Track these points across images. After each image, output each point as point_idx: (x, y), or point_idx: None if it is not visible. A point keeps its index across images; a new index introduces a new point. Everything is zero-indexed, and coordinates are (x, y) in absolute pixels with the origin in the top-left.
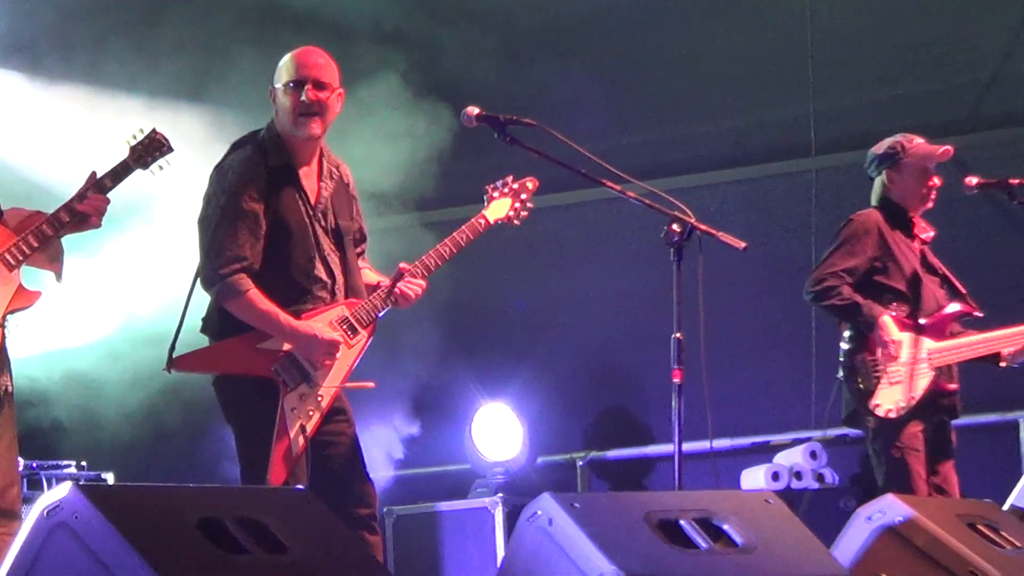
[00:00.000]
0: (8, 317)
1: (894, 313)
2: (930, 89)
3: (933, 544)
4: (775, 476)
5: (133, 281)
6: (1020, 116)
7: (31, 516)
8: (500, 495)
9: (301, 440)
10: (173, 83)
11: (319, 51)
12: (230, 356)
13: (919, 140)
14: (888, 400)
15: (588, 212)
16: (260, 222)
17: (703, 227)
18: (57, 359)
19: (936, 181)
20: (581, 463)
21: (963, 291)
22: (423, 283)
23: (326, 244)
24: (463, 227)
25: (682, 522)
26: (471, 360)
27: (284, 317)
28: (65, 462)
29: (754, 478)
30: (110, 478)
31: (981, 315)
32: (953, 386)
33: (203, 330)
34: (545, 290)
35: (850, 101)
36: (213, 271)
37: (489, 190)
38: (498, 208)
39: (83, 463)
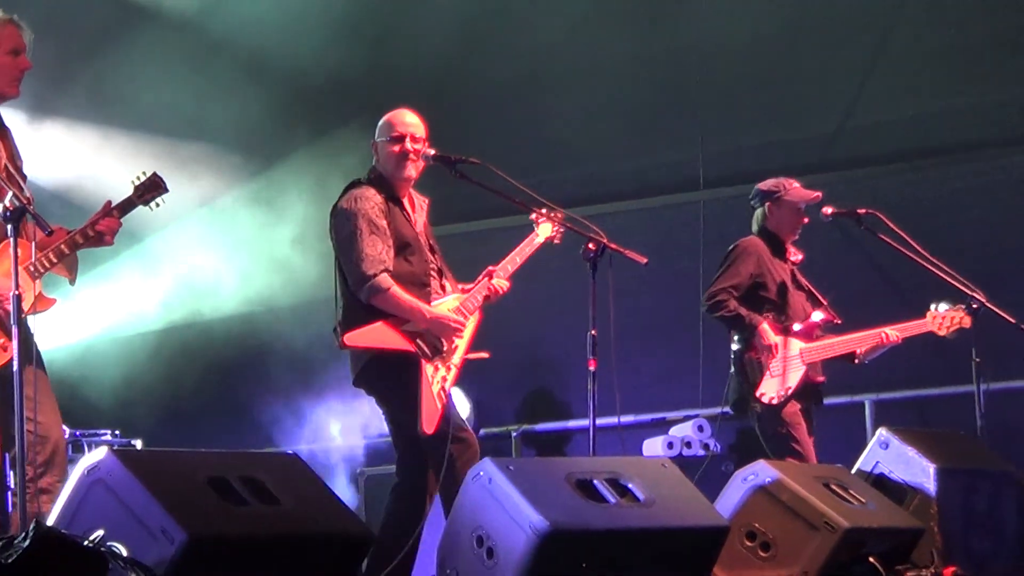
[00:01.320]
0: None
1: (770, 320)
2: (794, 135)
3: (795, 500)
4: (670, 445)
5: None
6: (863, 159)
7: (74, 474)
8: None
9: (441, 398)
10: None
11: (414, 112)
12: (385, 335)
13: (796, 184)
14: (771, 390)
15: (522, 233)
16: (388, 234)
17: (613, 246)
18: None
19: (805, 220)
20: (515, 434)
21: (825, 302)
22: (508, 283)
23: (429, 254)
24: (523, 244)
25: (595, 481)
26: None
27: (422, 306)
28: (102, 431)
29: (653, 447)
30: (139, 444)
31: (840, 322)
32: (820, 379)
33: (343, 327)
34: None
35: (731, 145)
36: (363, 274)
37: (535, 217)
38: (545, 229)
39: (117, 431)
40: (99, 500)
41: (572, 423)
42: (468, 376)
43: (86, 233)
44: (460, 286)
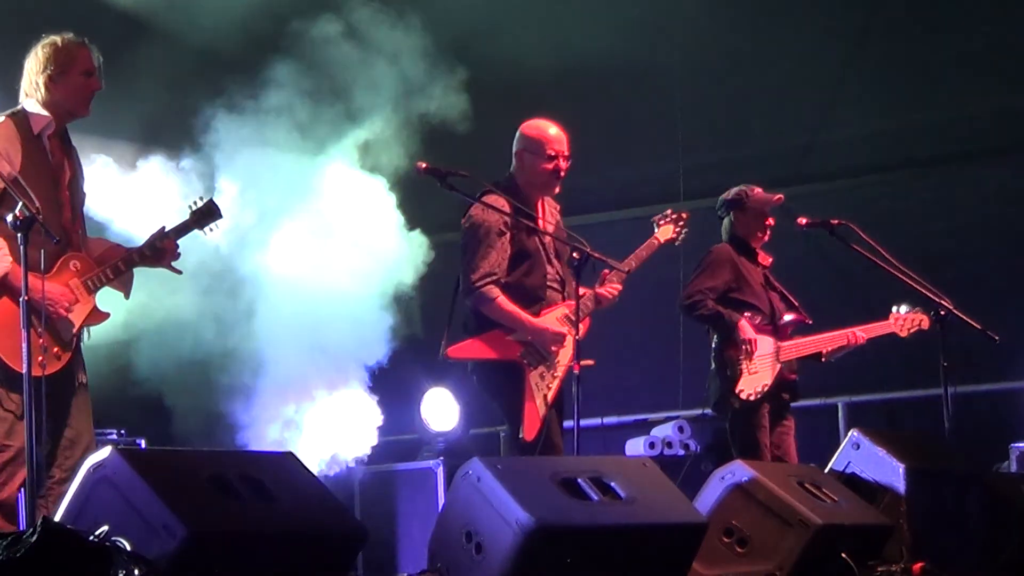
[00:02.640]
0: (83, 329)
1: (747, 318)
2: (768, 150)
3: (771, 498)
4: (651, 445)
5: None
6: (835, 172)
7: (81, 471)
8: (441, 458)
9: (544, 406)
10: None
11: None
12: (488, 346)
13: (758, 189)
14: (749, 386)
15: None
16: (507, 247)
17: (597, 254)
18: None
19: (771, 221)
20: (503, 434)
21: (796, 304)
22: (619, 287)
23: (554, 263)
24: (643, 247)
25: (579, 480)
26: (421, 356)
27: (525, 316)
28: (108, 430)
29: (635, 447)
30: (143, 443)
31: (811, 322)
32: (793, 376)
33: (464, 330)
34: None
35: (711, 158)
36: (471, 284)
37: (656, 220)
38: (665, 231)
39: (122, 431)
40: (104, 497)
41: None
42: (457, 378)
43: (143, 252)
44: (584, 292)
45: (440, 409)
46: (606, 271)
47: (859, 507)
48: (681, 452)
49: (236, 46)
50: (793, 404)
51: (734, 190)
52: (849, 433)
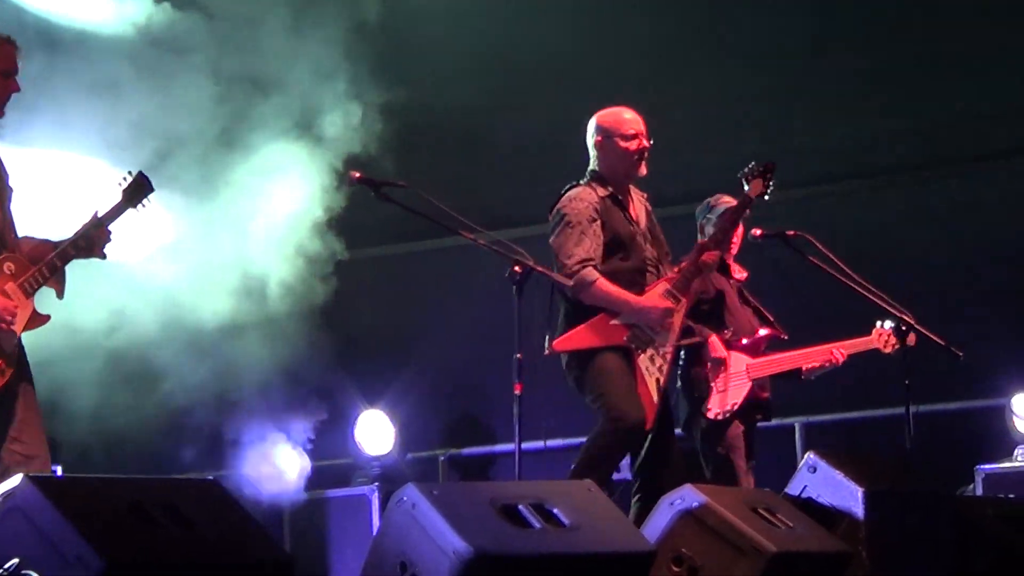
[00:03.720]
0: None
1: (719, 334)
2: (726, 158)
3: (722, 524)
4: None
5: None
6: (793, 181)
7: None
8: (376, 484)
9: (656, 391)
10: None
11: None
12: (593, 333)
13: (726, 198)
14: (716, 405)
15: (448, 256)
16: (599, 234)
17: (540, 268)
18: None
19: (739, 231)
20: (442, 458)
21: (771, 318)
22: (717, 252)
23: (649, 248)
24: (736, 205)
25: (520, 506)
26: (355, 375)
27: (629, 295)
28: None
29: None
30: (59, 470)
31: (786, 337)
32: (765, 395)
33: (565, 324)
34: (414, 319)
35: (666, 167)
36: (569, 270)
37: (745, 174)
38: (755, 187)
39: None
40: (15, 528)
41: (499, 447)
42: (394, 399)
43: (77, 244)
44: (674, 268)
45: (375, 432)
46: (699, 240)
47: (816, 533)
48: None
49: None
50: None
51: (709, 199)
52: (805, 456)
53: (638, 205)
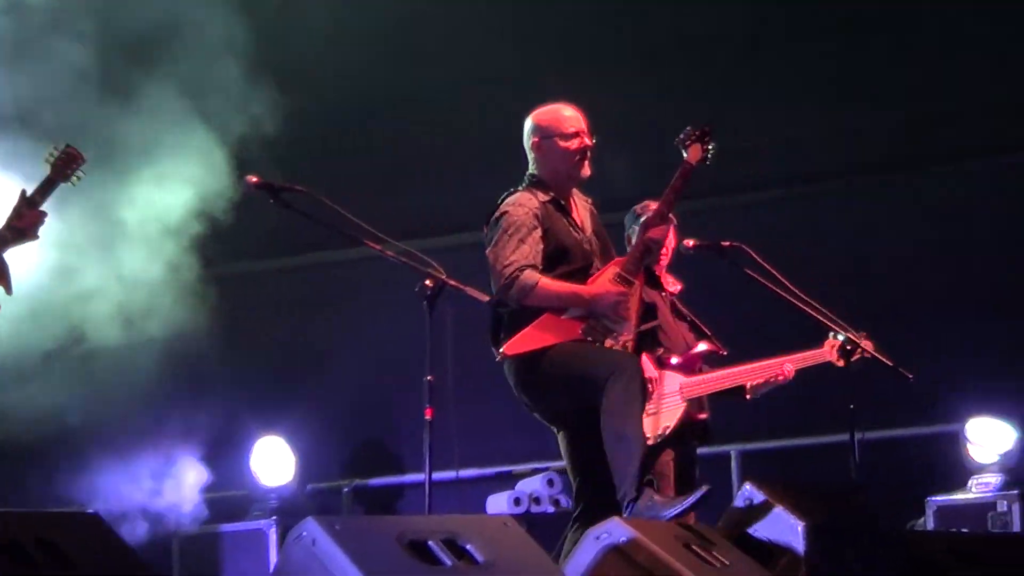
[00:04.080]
0: None
1: (649, 353)
2: (658, 160)
3: (652, 561)
4: (516, 501)
5: None
6: (731, 185)
7: None
8: (274, 517)
9: None
10: None
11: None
12: (547, 331)
13: (655, 204)
14: (647, 429)
15: (352, 268)
16: (539, 240)
17: (453, 282)
18: None
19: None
20: (345, 489)
21: (708, 333)
22: (664, 225)
23: (597, 257)
24: (676, 175)
25: (430, 543)
26: (250, 398)
27: (579, 287)
28: None
29: (498, 503)
30: None
31: (725, 353)
32: (703, 416)
33: (505, 336)
34: (315, 337)
35: (596, 170)
36: (505, 277)
37: (682, 140)
38: (694, 153)
39: None
40: None
41: (408, 477)
42: (293, 425)
43: (11, 227)
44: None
45: (273, 461)
46: (646, 217)
47: (753, 570)
48: (551, 509)
49: None
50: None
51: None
52: (742, 486)
53: (582, 210)
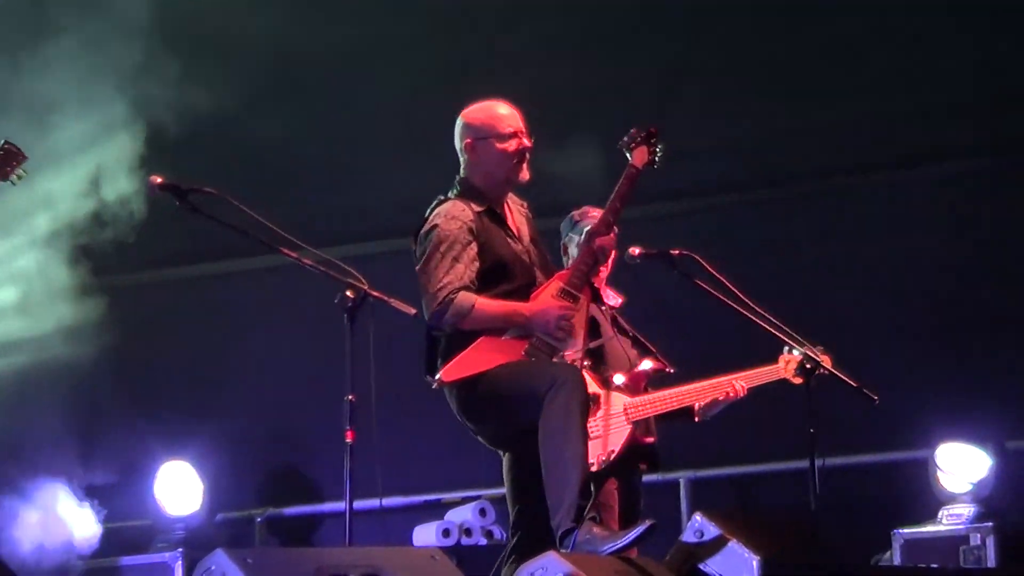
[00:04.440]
0: None
1: (588, 372)
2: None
3: None
4: (445, 533)
5: None
6: (672, 192)
7: None
8: (180, 550)
9: None
10: None
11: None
12: (486, 353)
13: (595, 210)
14: (591, 453)
15: (267, 278)
16: (475, 259)
17: (376, 293)
18: None
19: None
20: (259, 519)
21: (653, 350)
22: (611, 235)
23: (538, 269)
24: (621, 179)
25: None
26: (154, 419)
27: (518, 305)
28: None
29: (426, 535)
30: None
31: (672, 371)
32: (650, 439)
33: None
34: (225, 353)
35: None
36: (437, 302)
37: (626, 143)
38: (640, 156)
39: None
40: None
41: (327, 506)
42: (201, 449)
43: None
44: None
45: (178, 488)
46: (591, 227)
47: None
48: (483, 541)
49: None
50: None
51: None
52: (691, 517)
53: (518, 217)
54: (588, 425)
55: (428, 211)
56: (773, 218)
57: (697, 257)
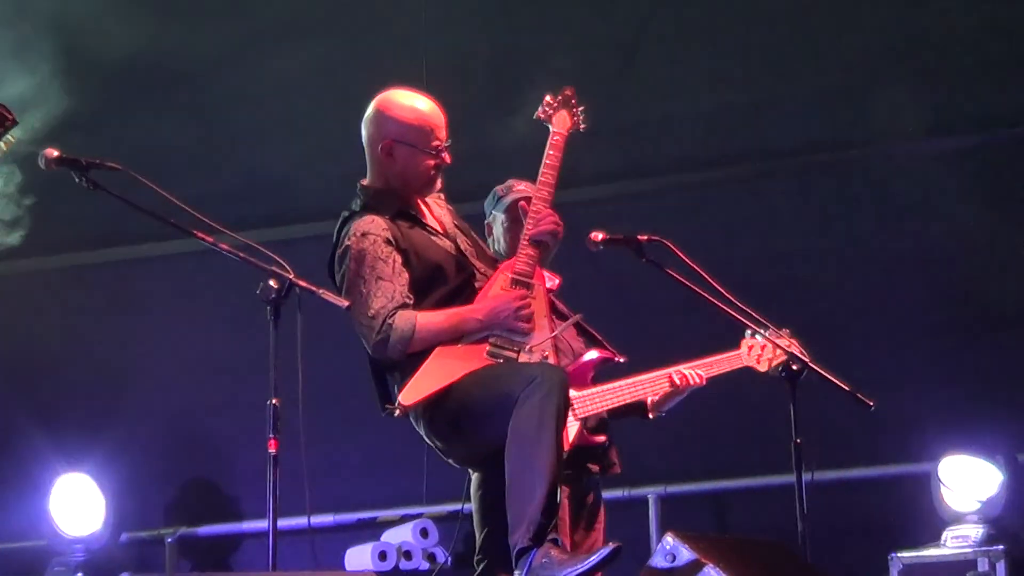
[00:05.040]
0: None
1: None
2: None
3: None
4: (382, 555)
5: None
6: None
7: None
8: (80, 574)
9: None
10: None
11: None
12: (446, 364)
13: (523, 185)
14: None
15: (179, 265)
16: (402, 271)
17: (303, 283)
18: None
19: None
20: (170, 539)
21: (599, 337)
22: (551, 213)
23: (476, 260)
24: (549, 150)
25: None
26: (48, 425)
27: (463, 310)
28: None
29: (360, 558)
30: None
31: (623, 360)
32: (600, 439)
33: (389, 395)
34: (129, 349)
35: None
36: (376, 329)
37: (544, 111)
38: (561, 122)
39: None
40: None
41: (247, 525)
42: (103, 460)
43: None
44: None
45: (78, 504)
46: (523, 203)
47: None
48: (424, 565)
49: None
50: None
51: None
52: (662, 538)
53: (437, 210)
54: None
55: (335, 234)
56: (750, 199)
57: (667, 243)
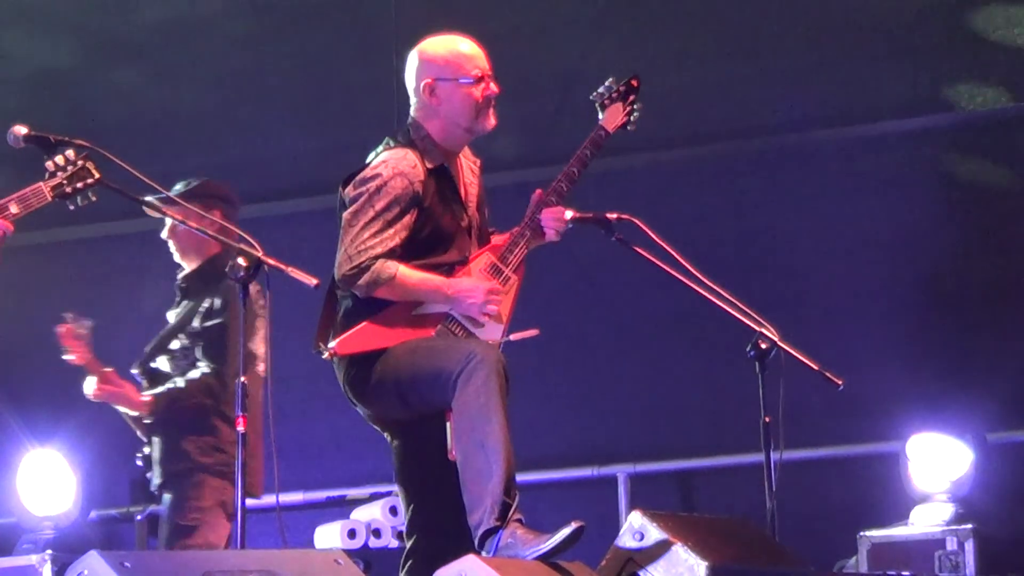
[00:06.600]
0: None
1: None
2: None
3: None
4: (351, 534)
5: None
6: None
7: None
8: (49, 552)
9: None
10: None
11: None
12: (392, 328)
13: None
14: None
15: (148, 242)
16: (407, 225)
17: (272, 261)
18: None
19: None
20: (139, 517)
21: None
22: (561, 208)
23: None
24: (585, 143)
25: None
26: (15, 398)
27: (440, 279)
28: None
29: (329, 536)
30: None
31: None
32: None
33: (336, 332)
34: (99, 326)
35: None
36: (354, 264)
37: (599, 98)
38: (613, 115)
39: None
40: None
41: None
42: (72, 436)
43: None
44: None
45: (47, 481)
46: (539, 191)
47: None
48: (394, 543)
49: None
50: (555, 476)
51: None
52: (630, 516)
53: (468, 175)
54: None
55: (372, 154)
56: (719, 179)
57: (638, 221)
